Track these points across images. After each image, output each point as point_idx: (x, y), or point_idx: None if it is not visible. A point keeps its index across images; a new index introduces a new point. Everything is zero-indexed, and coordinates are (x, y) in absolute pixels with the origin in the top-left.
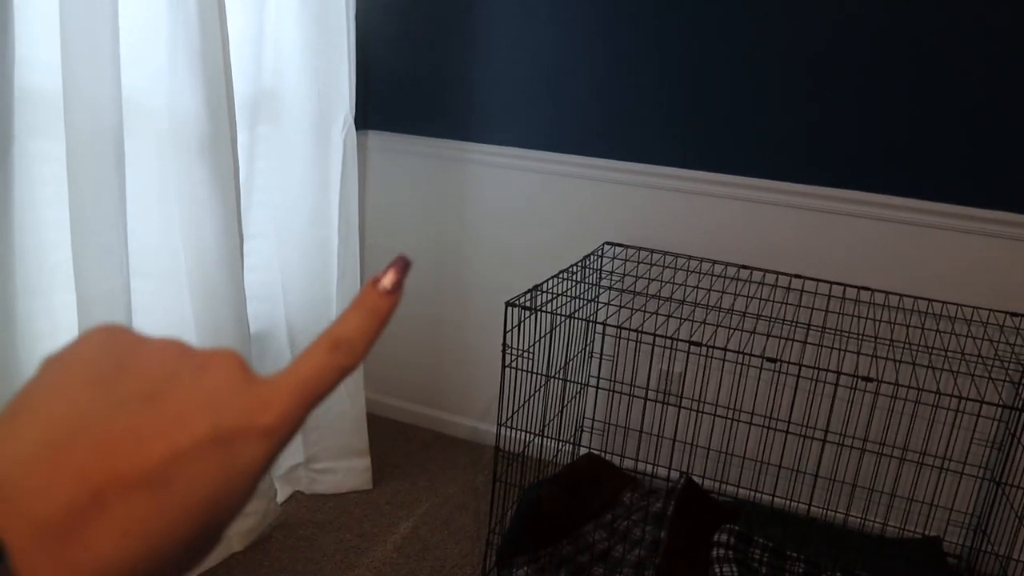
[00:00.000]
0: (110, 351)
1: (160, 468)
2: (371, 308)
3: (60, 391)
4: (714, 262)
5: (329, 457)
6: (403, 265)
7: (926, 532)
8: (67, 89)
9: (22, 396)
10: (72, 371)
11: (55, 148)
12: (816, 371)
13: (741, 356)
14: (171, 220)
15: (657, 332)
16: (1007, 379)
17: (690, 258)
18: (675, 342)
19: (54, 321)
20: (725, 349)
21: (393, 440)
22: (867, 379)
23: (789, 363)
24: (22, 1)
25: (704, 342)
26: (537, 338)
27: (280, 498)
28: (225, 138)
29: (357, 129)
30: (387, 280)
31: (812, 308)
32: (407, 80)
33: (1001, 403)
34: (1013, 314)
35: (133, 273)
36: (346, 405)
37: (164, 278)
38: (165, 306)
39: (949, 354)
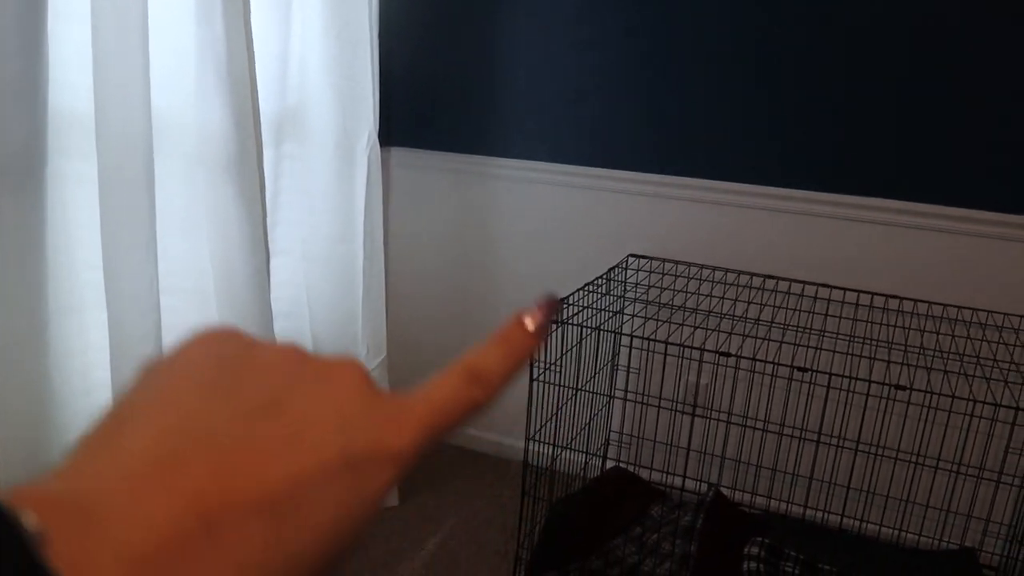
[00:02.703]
0: (223, 355)
1: (284, 492)
2: (514, 347)
3: (169, 398)
4: (739, 273)
5: None
6: (553, 306)
7: (962, 543)
8: (99, 111)
9: (124, 404)
10: (182, 376)
11: (87, 169)
12: (847, 380)
13: (770, 366)
14: (199, 238)
15: (684, 343)
16: None
17: (715, 269)
18: (702, 353)
19: (86, 340)
20: (754, 359)
21: None
22: (900, 387)
23: (820, 372)
24: (55, 24)
25: (732, 353)
26: (564, 351)
27: None
28: (252, 156)
29: (380, 145)
30: (534, 320)
31: (840, 317)
32: (430, 96)
33: None
34: None
35: (163, 291)
36: None
37: (192, 295)
38: (193, 323)
39: (982, 361)
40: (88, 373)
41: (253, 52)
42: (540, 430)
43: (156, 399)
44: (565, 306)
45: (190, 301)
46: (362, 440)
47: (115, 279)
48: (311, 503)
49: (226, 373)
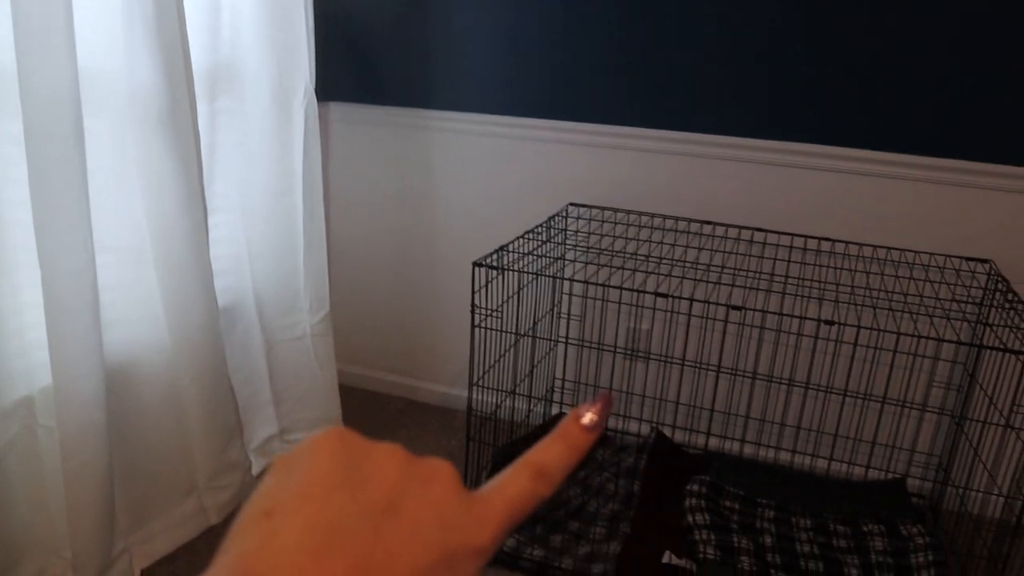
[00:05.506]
0: (344, 455)
1: None
2: (572, 443)
3: (311, 494)
4: (677, 219)
5: (303, 428)
6: (607, 403)
7: (891, 473)
8: (21, 67)
9: (269, 496)
10: (316, 475)
11: (13, 126)
12: (780, 317)
13: (707, 308)
14: (133, 194)
15: (623, 286)
16: (964, 319)
17: (653, 216)
18: (642, 296)
19: (19, 300)
20: (692, 300)
21: (365, 409)
22: (829, 322)
23: (754, 310)
24: None
25: (668, 293)
26: (505, 298)
27: (255, 470)
28: (184, 110)
29: (318, 101)
30: (589, 417)
31: (775, 259)
32: (367, 50)
33: (959, 340)
34: (968, 259)
35: (98, 249)
36: (318, 375)
37: (129, 253)
38: (131, 281)
39: (908, 299)
40: (24, 333)
41: (182, 2)
42: (484, 376)
43: (301, 494)
44: (506, 253)
45: (127, 259)
46: (456, 538)
47: (47, 238)
48: None
49: (350, 473)
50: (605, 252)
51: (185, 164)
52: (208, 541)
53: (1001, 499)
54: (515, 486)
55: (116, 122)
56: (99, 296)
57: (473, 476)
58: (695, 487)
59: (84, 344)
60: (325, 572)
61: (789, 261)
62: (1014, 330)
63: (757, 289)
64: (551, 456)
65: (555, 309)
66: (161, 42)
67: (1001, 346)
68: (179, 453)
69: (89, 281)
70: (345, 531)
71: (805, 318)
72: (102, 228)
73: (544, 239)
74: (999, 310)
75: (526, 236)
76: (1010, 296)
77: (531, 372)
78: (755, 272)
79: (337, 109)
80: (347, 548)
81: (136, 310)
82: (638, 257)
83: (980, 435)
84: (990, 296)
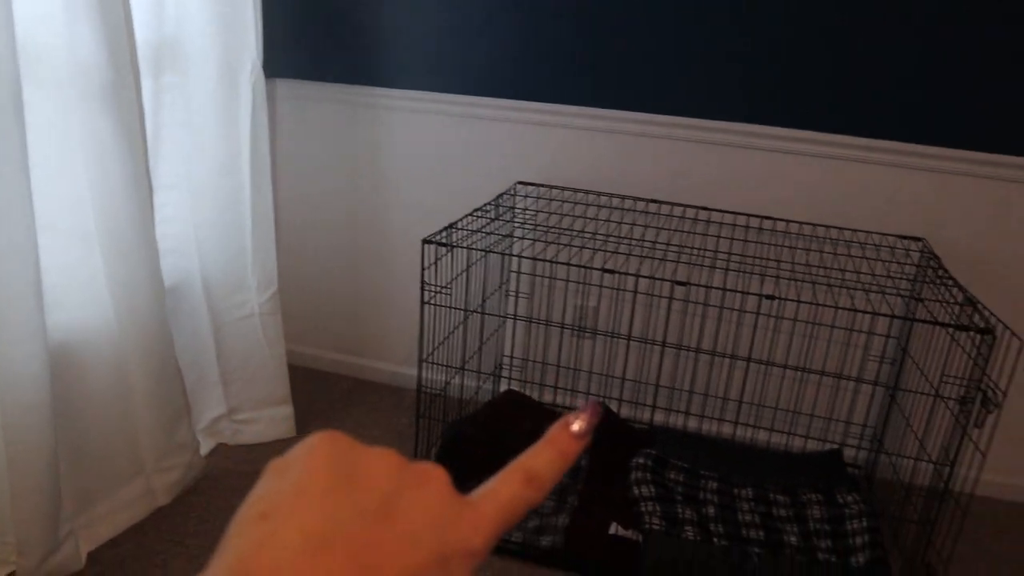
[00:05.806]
0: (337, 459)
1: None
2: (561, 450)
3: (307, 497)
4: (623, 197)
5: (251, 407)
6: (596, 411)
7: (828, 444)
8: None
9: (265, 499)
10: (311, 478)
11: None
12: (723, 293)
13: (652, 284)
14: (76, 172)
15: (570, 262)
16: (898, 294)
17: (600, 194)
18: (588, 273)
19: None
20: (638, 276)
21: (315, 389)
22: (770, 297)
23: (698, 286)
24: None
25: (614, 269)
26: (454, 275)
27: (204, 451)
28: (128, 86)
29: (265, 77)
30: (579, 425)
31: (719, 237)
32: (315, 27)
33: (893, 314)
34: (902, 236)
35: (40, 228)
36: (266, 354)
37: (72, 232)
38: (75, 261)
39: (846, 275)
40: None
41: None
42: (433, 352)
43: (298, 496)
44: (455, 230)
45: (70, 238)
46: (450, 540)
47: None
48: None
49: (344, 477)
50: (553, 230)
51: (130, 140)
52: (156, 523)
53: (931, 466)
54: (507, 491)
55: (57, 96)
56: (41, 276)
57: (423, 452)
58: (641, 460)
59: (27, 325)
60: (322, 572)
61: (732, 239)
62: (944, 304)
63: (701, 266)
64: (541, 462)
65: (504, 286)
66: (103, 16)
67: (932, 319)
68: (126, 435)
69: (31, 260)
70: (341, 533)
71: (747, 293)
72: (44, 206)
73: (493, 217)
74: (931, 285)
75: (475, 214)
76: (941, 272)
77: (480, 349)
78: (699, 249)
79: (284, 86)
80: (343, 549)
81: (80, 291)
82: (585, 235)
83: (911, 405)
84: (922, 272)
